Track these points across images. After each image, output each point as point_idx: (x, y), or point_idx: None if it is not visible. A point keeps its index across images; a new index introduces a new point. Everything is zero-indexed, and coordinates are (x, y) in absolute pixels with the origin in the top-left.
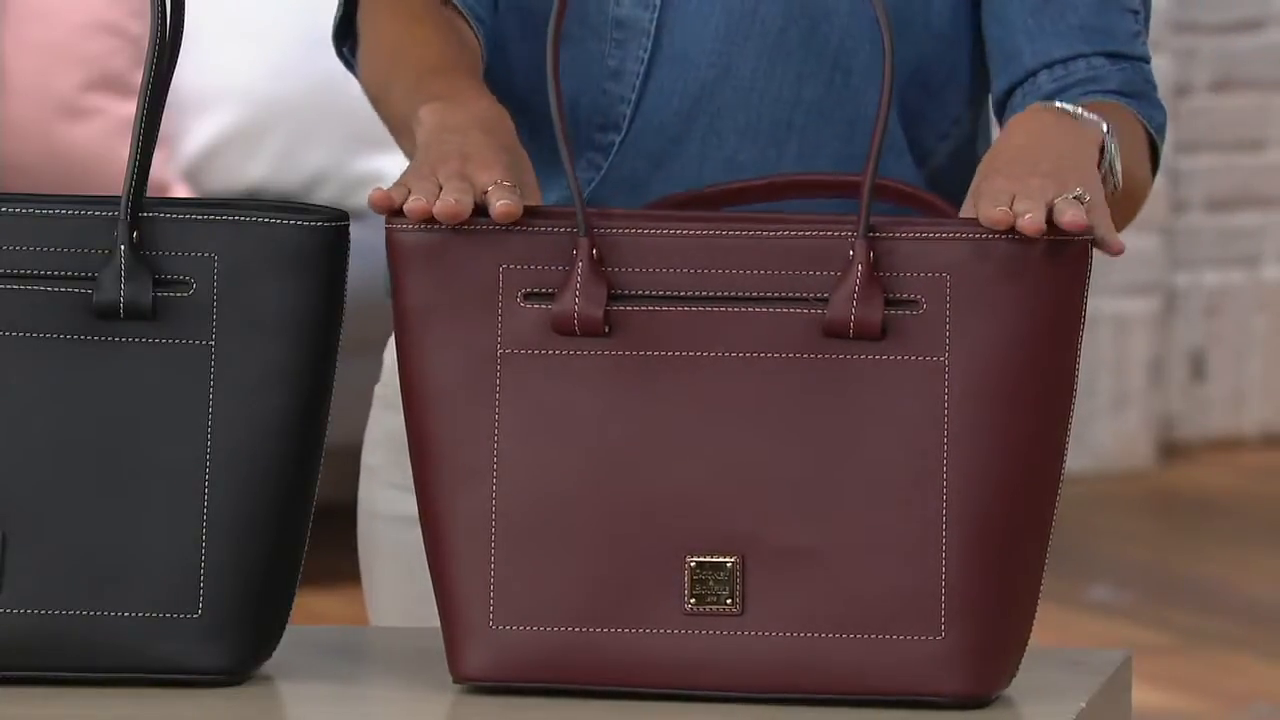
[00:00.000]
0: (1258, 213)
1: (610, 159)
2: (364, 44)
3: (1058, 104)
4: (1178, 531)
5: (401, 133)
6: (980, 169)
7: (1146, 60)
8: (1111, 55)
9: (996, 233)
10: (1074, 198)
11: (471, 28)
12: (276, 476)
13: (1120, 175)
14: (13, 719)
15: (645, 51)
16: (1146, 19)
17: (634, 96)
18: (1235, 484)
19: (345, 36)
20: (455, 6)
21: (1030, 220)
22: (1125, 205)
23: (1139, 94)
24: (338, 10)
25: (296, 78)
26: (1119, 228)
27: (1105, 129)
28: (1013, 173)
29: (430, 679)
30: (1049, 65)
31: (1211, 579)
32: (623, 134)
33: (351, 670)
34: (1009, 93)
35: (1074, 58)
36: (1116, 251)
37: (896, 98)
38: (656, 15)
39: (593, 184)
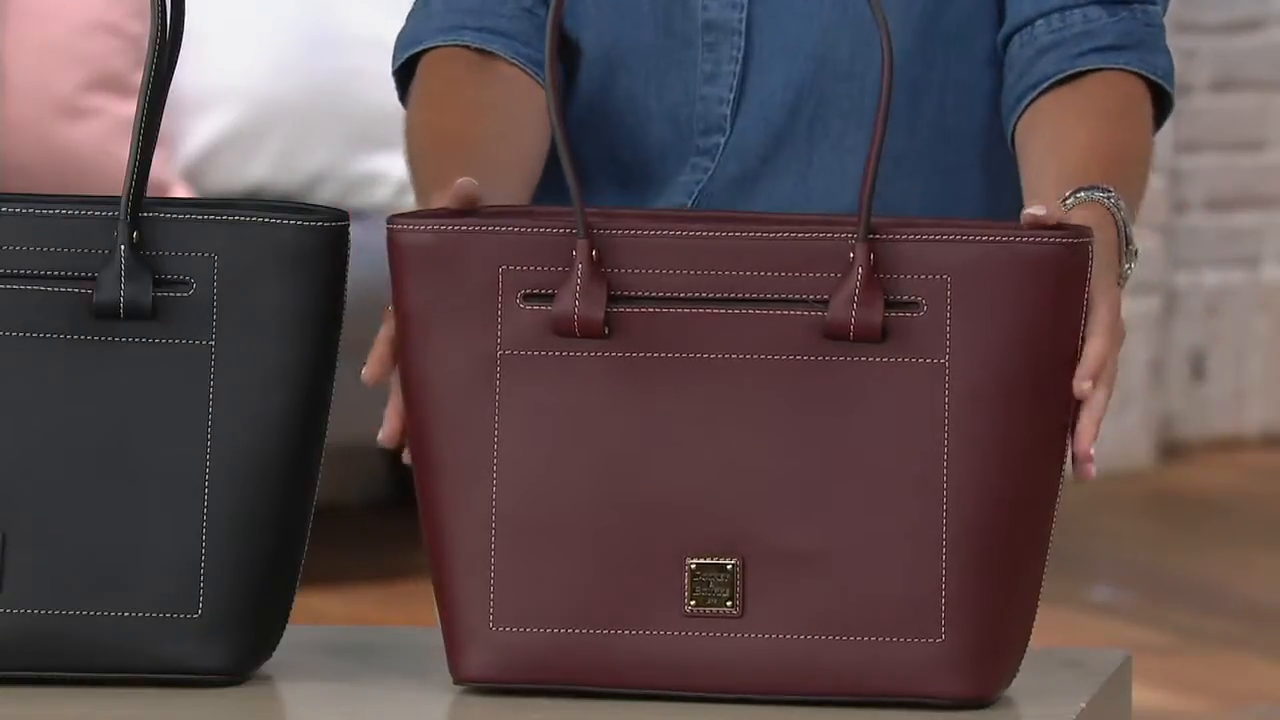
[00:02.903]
0: (1258, 213)
1: (717, 160)
2: (405, 136)
3: (1090, 193)
4: (1178, 531)
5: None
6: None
7: (1151, 2)
8: (1111, 2)
9: (997, 235)
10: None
11: (531, 74)
12: (276, 476)
13: (1130, 270)
14: (13, 719)
15: (739, 51)
16: None
17: (732, 96)
18: (1235, 484)
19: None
20: (510, 61)
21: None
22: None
23: (1138, 43)
24: (395, 83)
25: (296, 78)
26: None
27: (1128, 234)
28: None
29: (430, 679)
30: (1046, 14)
31: (1211, 579)
32: (727, 134)
33: (351, 670)
34: (1009, 39)
35: (1071, 7)
36: (1082, 458)
37: (989, 54)
38: (746, 14)
39: (700, 185)
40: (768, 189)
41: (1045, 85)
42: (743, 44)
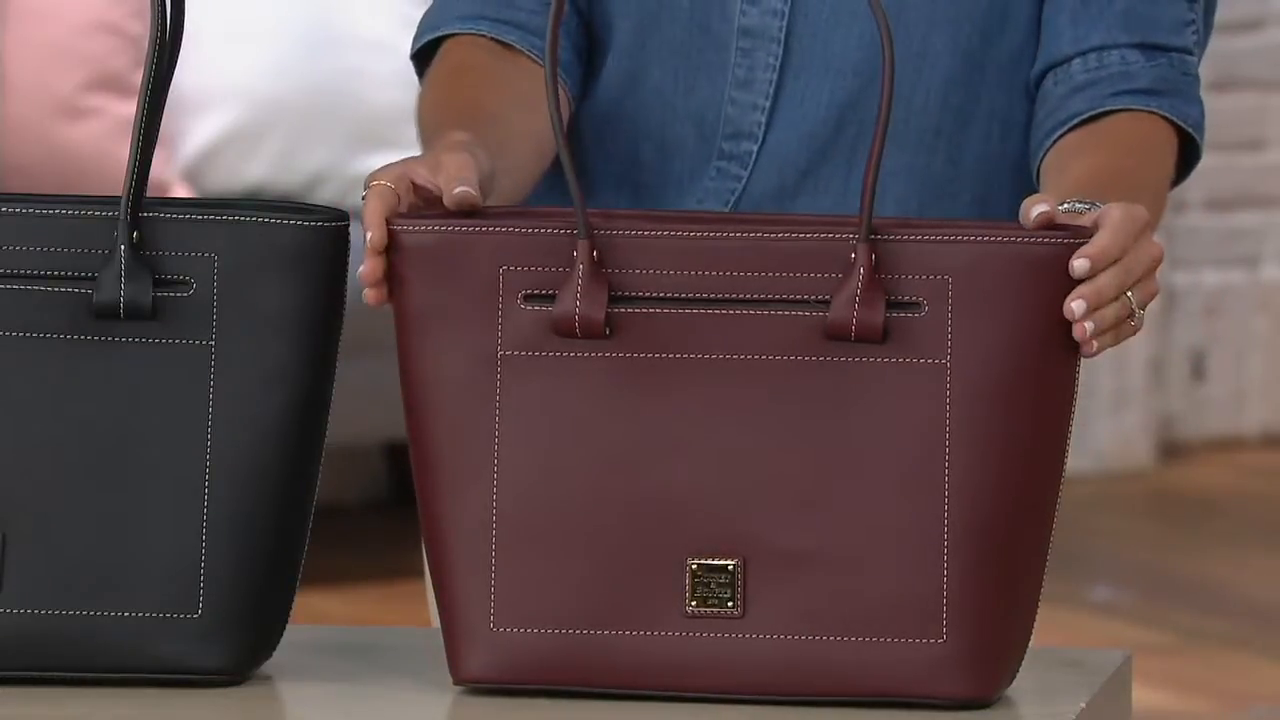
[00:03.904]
0: (1258, 213)
1: (751, 169)
2: (418, 115)
3: (1074, 205)
4: (1178, 531)
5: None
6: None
7: (1189, 52)
8: (1149, 47)
9: (998, 236)
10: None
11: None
12: (276, 476)
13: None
14: (13, 719)
15: (776, 59)
16: (1208, 8)
17: (768, 104)
18: (1235, 484)
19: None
20: (528, 55)
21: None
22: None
23: (1172, 90)
24: (414, 67)
25: (296, 78)
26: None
27: None
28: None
29: (430, 680)
30: (1083, 54)
31: (1211, 579)
32: (759, 142)
33: (351, 670)
34: (1044, 74)
35: (1109, 47)
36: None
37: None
38: (786, 22)
39: (736, 194)
40: (804, 206)
41: (1074, 122)
42: (780, 52)
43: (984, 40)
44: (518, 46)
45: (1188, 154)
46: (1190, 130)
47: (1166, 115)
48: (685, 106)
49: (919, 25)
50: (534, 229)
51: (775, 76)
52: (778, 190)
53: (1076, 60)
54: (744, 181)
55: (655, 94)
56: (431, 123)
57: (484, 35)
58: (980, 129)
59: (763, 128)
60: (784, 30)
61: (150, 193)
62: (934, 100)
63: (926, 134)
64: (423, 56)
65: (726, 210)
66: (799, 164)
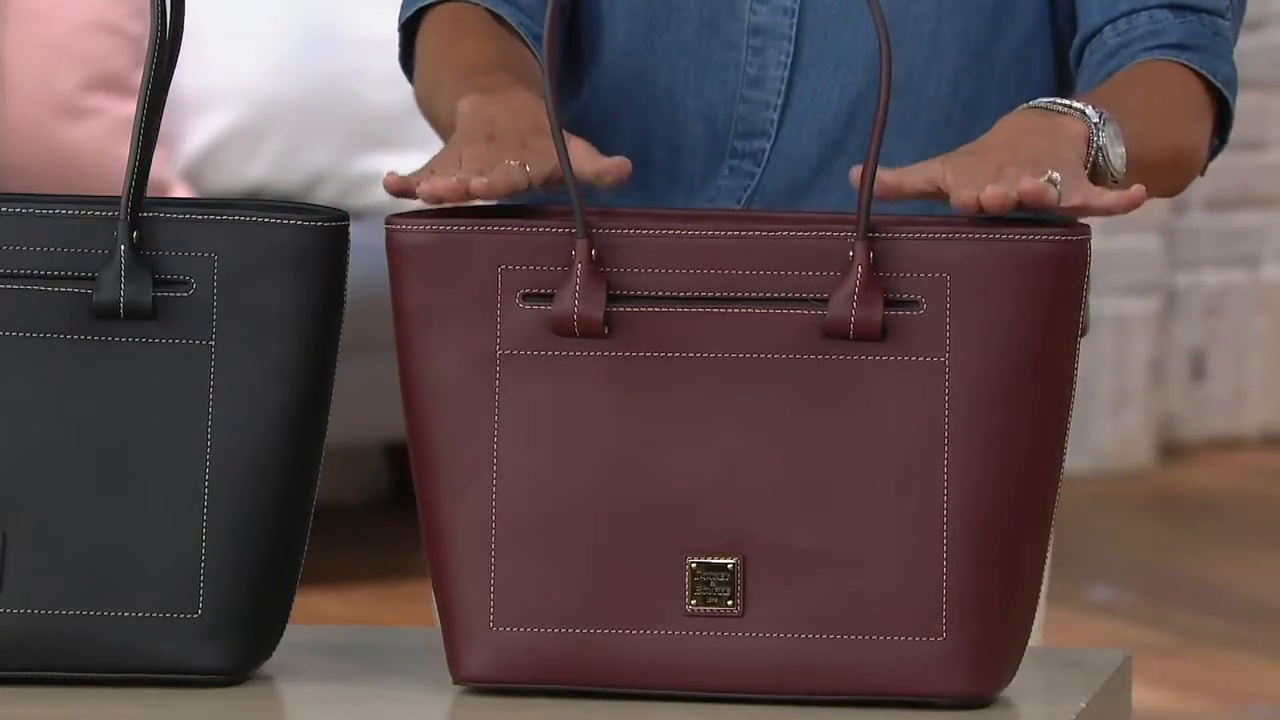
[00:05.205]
0: (1258, 213)
1: (764, 166)
2: (417, 64)
3: (1044, 101)
4: (1178, 531)
5: (448, 134)
6: (949, 155)
7: (1220, 14)
8: (1178, 7)
9: (996, 233)
10: (1046, 180)
11: (534, 52)
12: (276, 476)
13: (1118, 161)
14: (13, 719)
15: (787, 56)
16: None
17: (780, 102)
18: (1235, 484)
19: (409, 64)
20: (519, 36)
21: (993, 191)
22: (1172, 171)
23: (1202, 47)
24: (399, 38)
25: (296, 78)
26: (1168, 194)
27: (1095, 120)
28: (989, 157)
29: (430, 679)
30: (1113, 20)
31: (1211, 579)
32: (772, 140)
33: (351, 670)
34: (1080, 51)
35: (1137, 10)
36: (1128, 204)
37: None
38: (796, 20)
39: (749, 190)
40: (817, 201)
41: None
42: (791, 50)
43: (991, 31)
44: (509, 21)
45: (1221, 119)
46: (1219, 85)
47: (1193, 67)
48: (696, 106)
49: (929, 17)
50: (533, 228)
51: (786, 74)
52: (790, 187)
53: (1108, 28)
54: (757, 179)
55: (665, 94)
56: (452, 83)
57: (476, 5)
58: (989, 120)
59: (775, 125)
60: (794, 27)
61: (150, 193)
62: (945, 91)
63: (937, 125)
64: (410, 29)
65: (739, 208)
66: (811, 160)
